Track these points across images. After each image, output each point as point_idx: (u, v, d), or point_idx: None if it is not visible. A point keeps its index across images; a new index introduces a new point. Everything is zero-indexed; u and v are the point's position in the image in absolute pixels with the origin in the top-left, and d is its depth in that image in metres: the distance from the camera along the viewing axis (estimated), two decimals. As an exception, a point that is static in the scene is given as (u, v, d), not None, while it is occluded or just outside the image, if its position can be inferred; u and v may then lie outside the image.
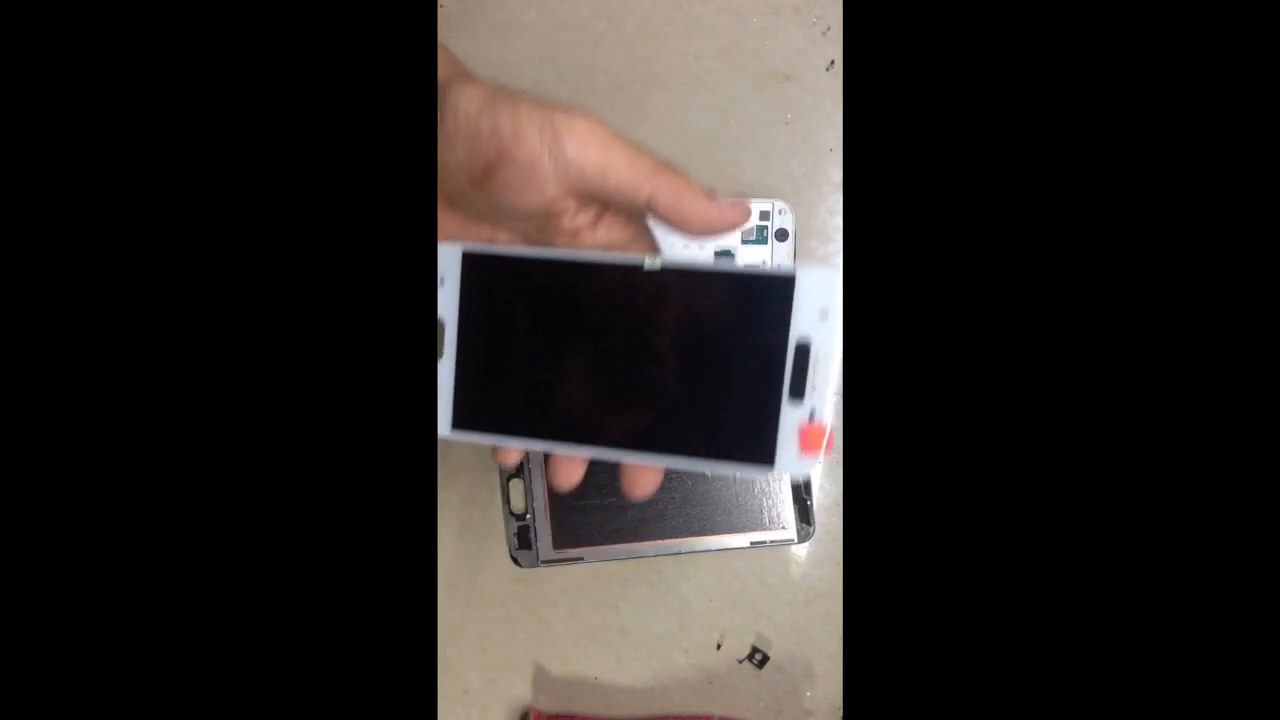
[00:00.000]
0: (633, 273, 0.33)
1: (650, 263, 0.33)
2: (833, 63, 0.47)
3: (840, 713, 0.48)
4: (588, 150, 0.32)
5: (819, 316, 0.32)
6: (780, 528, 0.47)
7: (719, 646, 0.48)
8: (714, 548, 0.47)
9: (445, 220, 0.35)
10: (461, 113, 0.32)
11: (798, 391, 0.32)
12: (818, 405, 0.32)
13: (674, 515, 0.47)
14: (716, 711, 0.48)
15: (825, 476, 0.48)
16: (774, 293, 0.32)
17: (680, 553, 0.47)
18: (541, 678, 0.49)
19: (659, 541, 0.47)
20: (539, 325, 0.35)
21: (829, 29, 0.47)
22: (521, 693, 0.49)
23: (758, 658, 0.48)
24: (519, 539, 0.47)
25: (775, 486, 0.47)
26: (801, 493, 0.47)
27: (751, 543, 0.47)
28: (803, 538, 0.47)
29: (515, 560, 0.47)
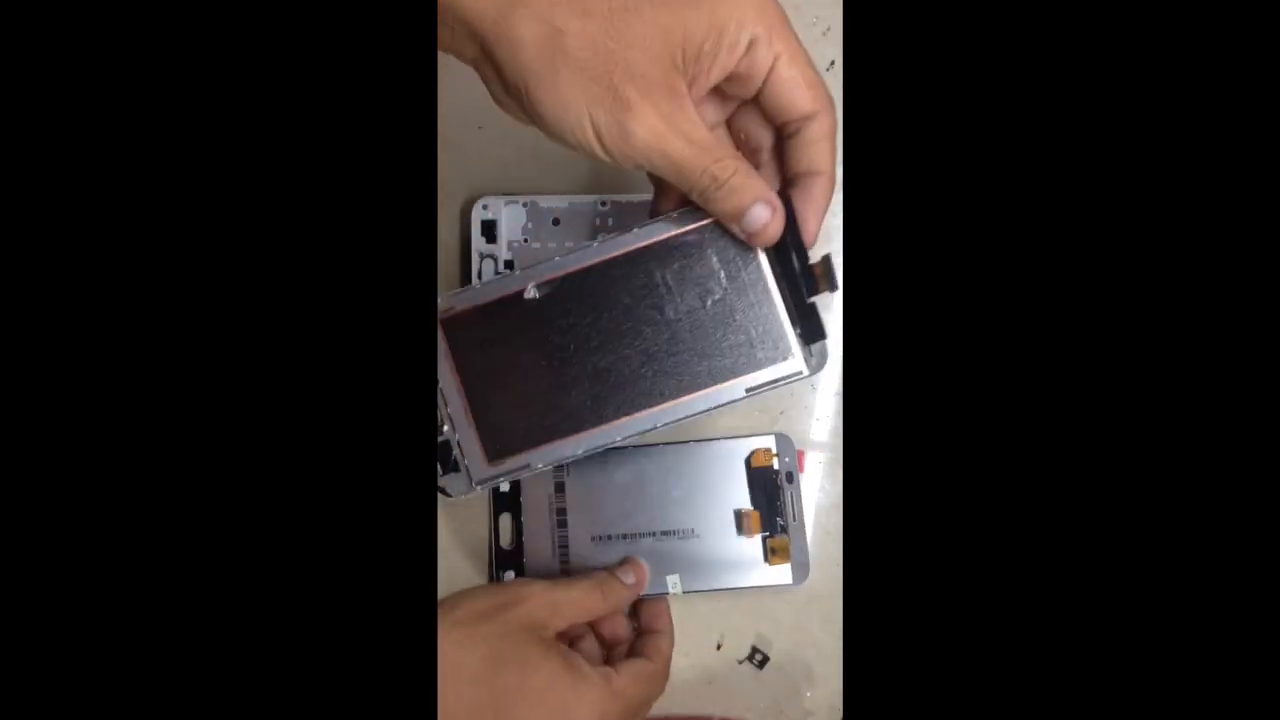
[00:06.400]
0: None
1: None
2: (833, 63, 0.47)
3: (840, 713, 0.48)
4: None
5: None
6: (783, 359, 0.35)
7: (719, 647, 0.48)
8: (700, 409, 0.35)
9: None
10: None
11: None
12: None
13: (635, 382, 0.35)
14: (716, 712, 0.48)
15: (826, 477, 0.48)
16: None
17: (656, 427, 0.35)
18: (541, 678, 0.48)
19: (626, 419, 0.35)
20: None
21: (829, 29, 0.47)
22: (521, 693, 0.48)
23: (758, 658, 0.48)
24: (440, 461, 0.36)
25: (764, 310, 0.35)
26: (803, 303, 0.34)
27: (748, 390, 0.35)
28: (815, 367, 0.35)
29: (442, 491, 0.36)
